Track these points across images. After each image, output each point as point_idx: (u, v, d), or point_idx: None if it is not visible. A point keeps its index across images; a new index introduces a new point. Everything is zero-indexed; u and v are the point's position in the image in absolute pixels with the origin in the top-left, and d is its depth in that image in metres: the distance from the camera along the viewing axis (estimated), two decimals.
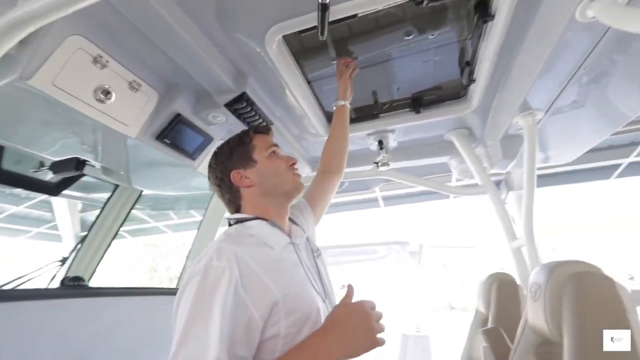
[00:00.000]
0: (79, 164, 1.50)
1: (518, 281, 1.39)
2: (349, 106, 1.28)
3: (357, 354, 0.66)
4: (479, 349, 1.20)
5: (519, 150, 1.51)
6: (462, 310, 12.41)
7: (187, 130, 1.35)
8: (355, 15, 0.95)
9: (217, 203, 1.96)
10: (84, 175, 1.63)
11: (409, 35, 1.12)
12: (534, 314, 0.81)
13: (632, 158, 4.54)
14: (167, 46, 0.98)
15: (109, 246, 1.88)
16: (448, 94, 1.41)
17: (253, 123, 1.35)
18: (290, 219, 1.01)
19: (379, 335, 0.69)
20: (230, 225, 0.91)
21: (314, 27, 0.96)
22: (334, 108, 1.28)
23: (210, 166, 1.00)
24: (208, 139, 1.45)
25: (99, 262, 1.76)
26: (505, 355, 1.00)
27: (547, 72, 1.05)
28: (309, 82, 1.30)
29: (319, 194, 1.17)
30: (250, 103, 1.24)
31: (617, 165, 4.78)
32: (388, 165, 1.69)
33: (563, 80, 1.10)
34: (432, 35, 1.12)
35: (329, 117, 1.55)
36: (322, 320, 0.76)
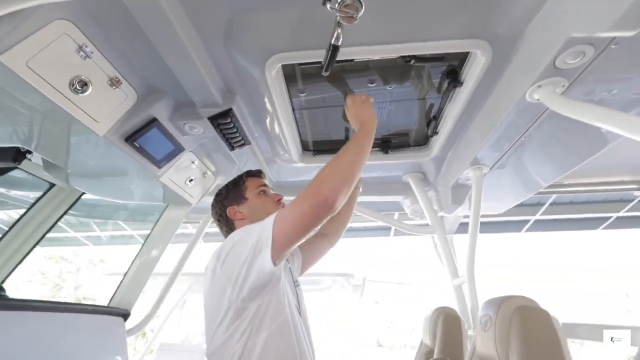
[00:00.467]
0: (18, 155, 1.32)
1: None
2: (359, 189, 1.52)
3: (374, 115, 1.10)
4: None
5: (465, 198, 1.72)
6: (390, 348, 12.68)
7: (160, 136, 1.29)
8: (352, 60, 1.05)
9: (170, 218, 1.83)
10: (16, 167, 1.44)
11: (388, 84, 1.26)
12: (483, 343, 0.91)
13: (538, 216, 5.38)
14: (164, 49, 0.96)
15: (28, 253, 1.62)
16: (413, 140, 1.58)
17: (232, 139, 1.35)
18: None
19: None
20: None
21: (315, 62, 1.04)
22: None
23: (212, 205, 1.26)
24: (179, 149, 1.40)
25: (14, 270, 1.49)
26: None
27: (496, 135, 1.26)
28: (292, 109, 1.35)
29: (309, 253, 1.35)
30: (235, 120, 1.25)
31: (527, 221, 5.60)
32: (360, 189, 1.79)
33: (507, 144, 1.32)
34: (407, 88, 1.28)
35: (304, 145, 1.61)
36: (297, 328, 0.96)
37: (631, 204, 5.14)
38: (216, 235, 3.80)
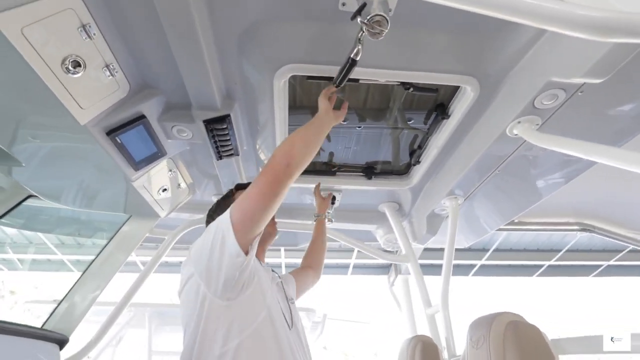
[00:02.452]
0: None
1: None
2: (325, 219, 1.70)
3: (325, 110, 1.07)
4: None
5: (439, 228, 1.80)
6: None
7: (145, 136, 1.20)
8: (358, 80, 1.12)
9: (132, 231, 1.65)
10: None
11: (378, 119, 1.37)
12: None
13: (483, 261, 5.76)
14: (177, 44, 0.93)
15: None
16: (395, 168, 1.66)
17: (222, 147, 1.31)
18: (273, 270, 1.20)
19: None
20: None
21: (323, 78, 1.09)
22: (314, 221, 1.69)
23: (206, 221, 1.26)
24: (161, 153, 1.31)
25: None
26: None
27: (474, 166, 1.37)
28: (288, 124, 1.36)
29: (298, 284, 1.39)
30: (230, 127, 1.22)
31: (474, 265, 5.95)
32: (332, 221, 1.78)
33: (482, 176, 1.44)
34: (397, 118, 1.38)
35: None
36: (283, 340, 0.93)
37: (560, 254, 5.77)
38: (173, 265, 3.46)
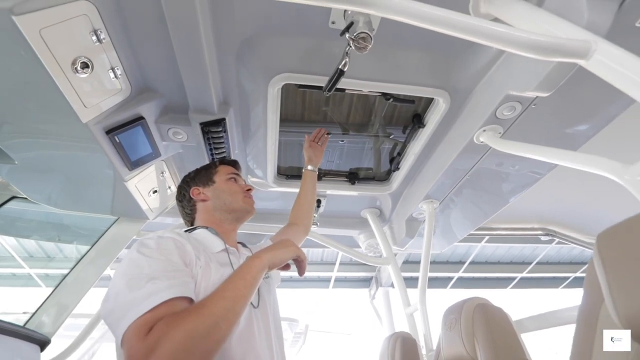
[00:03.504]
0: None
1: None
2: (312, 170, 1.48)
3: (282, 257, 0.84)
4: None
5: (417, 231, 1.92)
6: None
7: (142, 136, 1.26)
8: (344, 90, 1.24)
9: (119, 234, 1.66)
10: None
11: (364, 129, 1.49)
12: (449, 341, 1.01)
13: (460, 273, 5.93)
14: (181, 50, 1.01)
15: None
16: (376, 175, 1.78)
17: (216, 150, 1.38)
18: (244, 244, 1.13)
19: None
20: None
21: (314, 87, 1.21)
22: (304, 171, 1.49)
23: (178, 186, 1.18)
24: (156, 153, 1.36)
25: None
26: None
27: (447, 171, 1.51)
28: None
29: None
30: (225, 130, 1.30)
31: (451, 278, 6.12)
32: (317, 225, 1.86)
33: (454, 182, 1.59)
34: (378, 128, 1.51)
35: (278, 170, 1.69)
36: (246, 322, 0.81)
37: (530, 266, 6.05)
38: None
